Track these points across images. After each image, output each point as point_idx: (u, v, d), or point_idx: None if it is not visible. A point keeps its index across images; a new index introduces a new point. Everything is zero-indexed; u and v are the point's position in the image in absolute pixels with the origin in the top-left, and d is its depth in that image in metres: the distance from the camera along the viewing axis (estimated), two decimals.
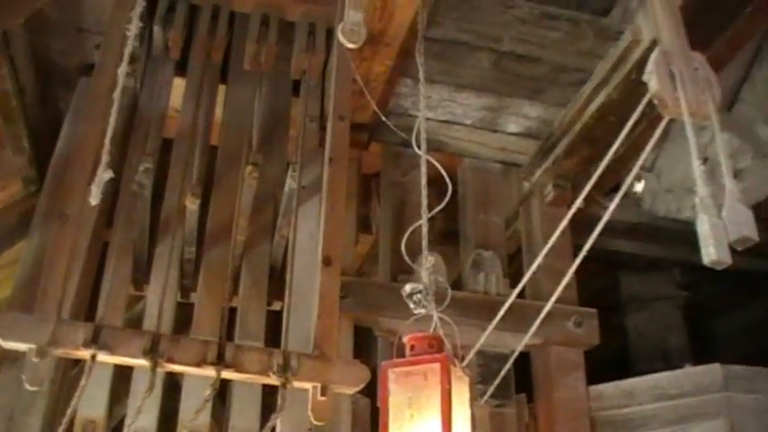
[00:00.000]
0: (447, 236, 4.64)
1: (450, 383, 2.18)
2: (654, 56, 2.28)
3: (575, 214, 2.96)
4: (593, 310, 4.12)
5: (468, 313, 3.73)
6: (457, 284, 4.15)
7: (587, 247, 2.63)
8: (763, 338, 6.79)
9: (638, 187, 2.54)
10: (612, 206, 2.47)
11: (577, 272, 3.31)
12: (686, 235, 2.01)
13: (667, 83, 2.23)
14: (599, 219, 2.56)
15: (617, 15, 3.81)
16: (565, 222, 2.87)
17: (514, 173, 4.59)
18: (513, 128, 4.31)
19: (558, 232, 2.87)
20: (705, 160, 2.12)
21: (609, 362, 4.73)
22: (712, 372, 3.99)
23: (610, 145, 2.62)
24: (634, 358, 5.78)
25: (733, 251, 2.00)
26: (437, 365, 2.19)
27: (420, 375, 2.22)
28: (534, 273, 3.56)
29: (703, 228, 1.99)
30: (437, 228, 4.68)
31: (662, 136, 2.33)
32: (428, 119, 4.05)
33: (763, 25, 3.69)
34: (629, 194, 5.18)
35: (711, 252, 1.95)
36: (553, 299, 3.01)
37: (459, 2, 3.59)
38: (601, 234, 2.60)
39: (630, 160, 2.52)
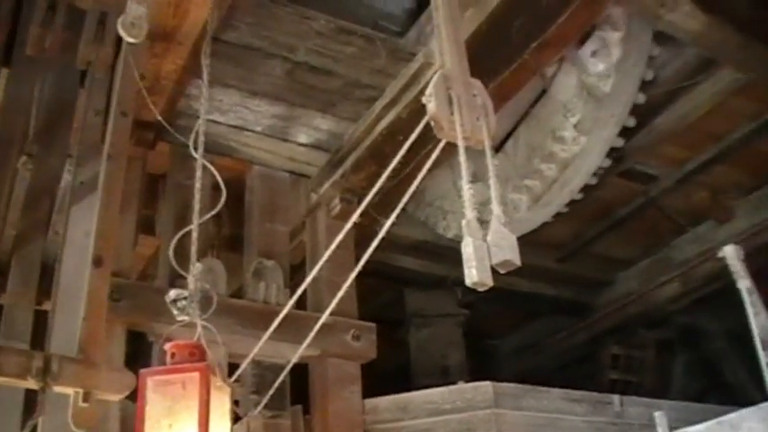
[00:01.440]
0: (235, 243, 4.59)
1: (209, 394, 2.14)
2: (434, 79, 2.32)
3: (362, 230, 2.97)
4: (372, 325, 4.18)
5: (246, 322, 3.70)
6: (239, 293, 4.10)
7: (363, 261, 2.64)
8: (536, 358, 7.15)
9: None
10: (388, 223, 2.49)
11: (362, 286, 3.32)
12: None
13: (445, 106, 2.27)
14: (385, 236, 2.58)
15: (412, 37, 3.90)
16: (341, 236, 2.87)
17: (303, 183, 4.60)
18: (303, 138, 4.33)
19: (333, 246, 2.87)
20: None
21: (392, 376, 4.81)
22: (483, 389, 4.13)
23: (397, 163, 2.65)
24: (415, 373, 5.91)
25: (512, 273, 2.06)
26: (196, 375, 2.16)
27: (179, 384, 2.18)
28: (316, 285, 3.57)
29: (467, 250, 2.03)
30: (224, 234, 4.63)
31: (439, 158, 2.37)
32: (218, 123, 4.01)
33: (548, 59, 3.85)
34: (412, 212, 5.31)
35: (473, 273, 1.99)
36: (328, 311, 3.01)
37: (257, 7, 3.55)
38: (388, 250, 2.62)
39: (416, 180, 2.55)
